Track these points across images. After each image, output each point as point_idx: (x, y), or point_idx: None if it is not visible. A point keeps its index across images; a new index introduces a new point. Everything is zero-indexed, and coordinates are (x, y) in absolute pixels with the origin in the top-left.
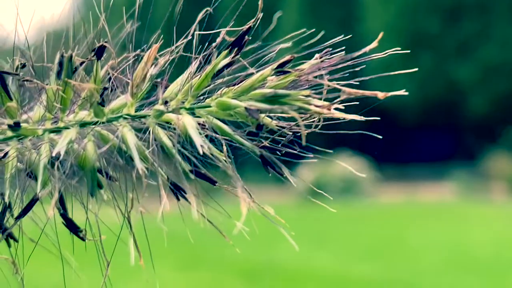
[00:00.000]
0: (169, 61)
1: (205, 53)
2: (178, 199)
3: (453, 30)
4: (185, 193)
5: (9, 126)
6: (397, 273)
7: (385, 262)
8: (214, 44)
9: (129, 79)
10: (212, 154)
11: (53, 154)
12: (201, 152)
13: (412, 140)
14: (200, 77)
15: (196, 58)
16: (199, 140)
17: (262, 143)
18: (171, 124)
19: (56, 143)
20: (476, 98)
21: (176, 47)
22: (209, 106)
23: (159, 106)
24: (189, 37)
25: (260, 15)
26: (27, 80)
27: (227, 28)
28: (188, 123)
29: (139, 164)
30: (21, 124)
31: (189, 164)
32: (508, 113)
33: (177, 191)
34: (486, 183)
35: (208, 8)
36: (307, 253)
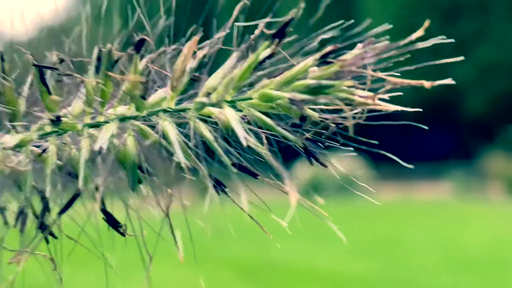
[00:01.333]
0: (208, 54)
1: (245, 45)
2: (219, 194)
3: (452, 29)
4: (226, 187)
5: (51, 120)
6: (394, 272)
7: (382, 261)
8: (252, 36)
9: (167, 72)
10: (255, 147)
11: (96, 149)
12: (245, 145)
13: (410, 138)
14: (241, 69)
15: (237, 50)
16: (242, 133)
17: (304, 135)
18: (211, 117)
19: (96, 138)
20: (473, 98)
21: (217, 39)
22: (251, 99)
23: (201, 99)
24: (227, 30)
25: (303, 5)
26: (67, 75)
27: (267, 19)
28: (231, 116)
29: (182, 158)
30: (61, 119)
31: (230, 158)
32: (506, 112)
33: (218, 186)
34: (483, 182)
35: (246, 1)
36: (305, 252)
